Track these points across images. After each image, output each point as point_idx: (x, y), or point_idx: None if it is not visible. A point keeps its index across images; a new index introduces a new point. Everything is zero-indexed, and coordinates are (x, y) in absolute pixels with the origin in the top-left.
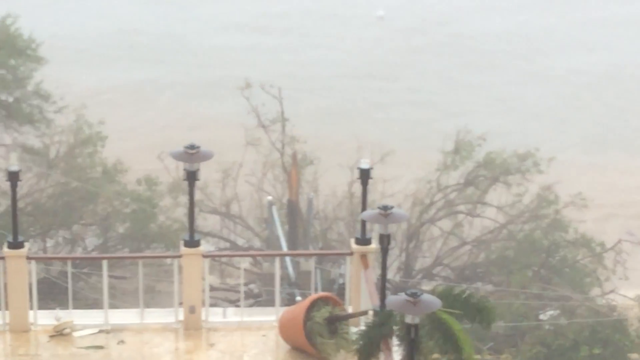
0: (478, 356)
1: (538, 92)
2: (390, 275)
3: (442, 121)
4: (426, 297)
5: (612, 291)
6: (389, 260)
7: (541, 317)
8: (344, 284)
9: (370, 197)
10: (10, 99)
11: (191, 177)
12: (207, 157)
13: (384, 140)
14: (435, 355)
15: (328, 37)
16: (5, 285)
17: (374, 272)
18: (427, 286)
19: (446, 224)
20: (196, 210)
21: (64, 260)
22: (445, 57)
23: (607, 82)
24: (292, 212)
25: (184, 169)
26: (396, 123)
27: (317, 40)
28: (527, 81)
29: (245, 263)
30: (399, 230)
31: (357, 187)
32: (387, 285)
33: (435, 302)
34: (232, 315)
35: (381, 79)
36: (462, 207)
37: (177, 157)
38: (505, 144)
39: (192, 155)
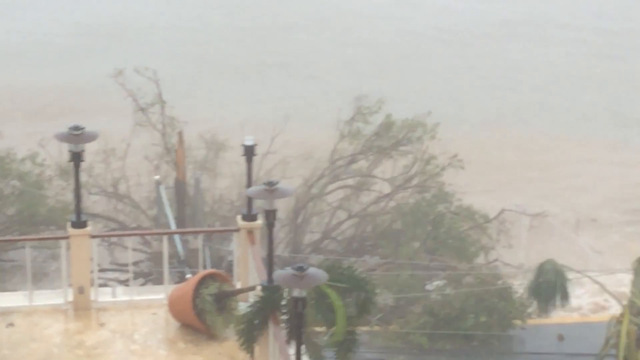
0: (366, 327)
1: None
2: (279, 250)
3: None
4: (312, 270)
5: (496, 260)
6: (278, 236)
7: (428, 287)
8: (233, 260)
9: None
10: None
11: (76, 158)
12: (91, 138)
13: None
14: (318, 328)
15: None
16: None
17: (262, 248)
18: (315, 260)
19: (335, 197)
20: (84, 192)
21: None
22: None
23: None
24: (180, 191)
25: (69, 150)
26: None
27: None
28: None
29: (134, 243)
30: (287, 205)
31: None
32: (276, 260)
33: (322, 275)
34: (122, 294)
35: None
36: (350, 181)
37: (62, 138)
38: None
39: (76, 136)
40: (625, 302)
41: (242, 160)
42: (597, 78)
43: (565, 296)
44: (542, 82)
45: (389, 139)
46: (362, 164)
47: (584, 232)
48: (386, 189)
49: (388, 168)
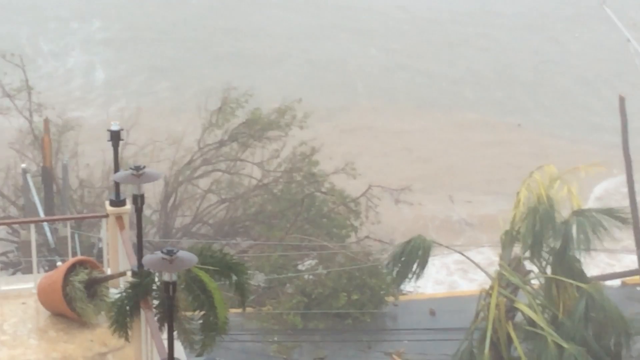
0: (239, 310)
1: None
2: (150, 236)
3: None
4: (182, 254)
5: (366, 237)
6: (148, 221)
7: (300, 267)
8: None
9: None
10: None
11: None
12: None
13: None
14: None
15: None
16: None
17: (131, 233)
18: (187, 244)
19: (205, 182)
20: None
21: None
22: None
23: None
24: (47, 178)
25: None
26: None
27: None
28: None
29: (2, 233)
30: (157, 189)
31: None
32: (147, 245)
33: (192, 258)
34: None
35: None
36: (221, 165)
37: None
38: (267, 98)
39: None
40: (494, 275)
41: (110, 146)
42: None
43: (421, 271)
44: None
45: (257, 124)
46: (233, 147)
47: (458, 208)
48: (256, 173)
49: (257, 152)
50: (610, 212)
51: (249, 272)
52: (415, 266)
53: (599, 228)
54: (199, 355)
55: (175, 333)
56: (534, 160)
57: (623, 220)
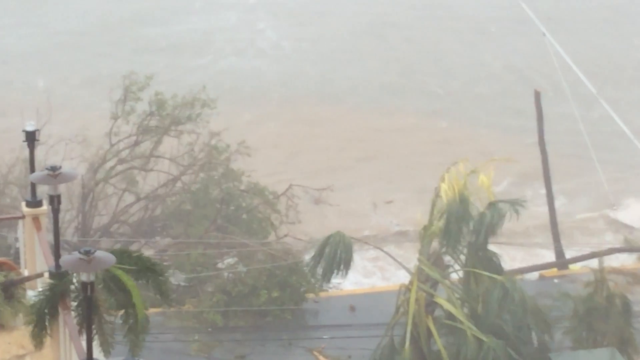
0: (159, 309)
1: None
2: (67, 236)
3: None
4: (100, 254)
5: (286, 235)
6: (66, 221)
7: (220, 265)
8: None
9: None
10: None
11: None
12: None
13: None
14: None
15: None
16: None
17: (49, 234)
18: (105, 245)
19: (121, 180)
20: None
21: None
22: None
23: None
24: None
25: None
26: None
27: None
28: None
29: None
30: (74, 190)
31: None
32: (65, 246)
33: (109, 258)
34: None
35: None
36: (135, 163)
37: None
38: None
39: None
40: (413, 270)
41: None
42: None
43: (347, 267)
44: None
45: (165, 117)
46: (146, 145)
47: (380, 205)
48: (173, 169)
49: (172, 148)
50: (512, 202)
51: (168, 271)
52: (340, 263)
53: (508, 218)
54: (135, 355)
55: (94, 333)
56: (452, 154)
57: (517, 211)
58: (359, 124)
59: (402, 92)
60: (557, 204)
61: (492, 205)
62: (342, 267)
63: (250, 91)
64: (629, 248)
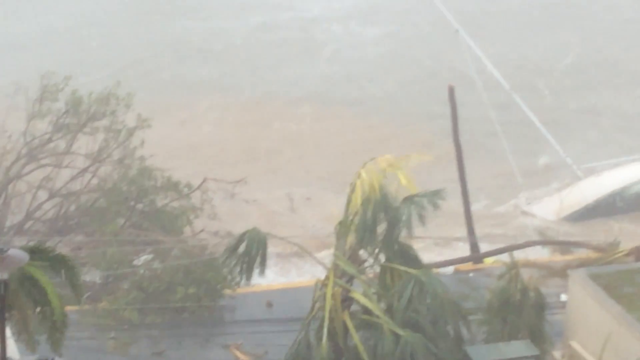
0: (75, 307)
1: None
2: None
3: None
4: (13, 252)
5: (202, 230)
6: None
7: (136, 262)
8: None
9: None
10: None
11: None
12: None
13: None
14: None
15: None
16: None
17: None
18: (19, 242)
19: (36, 177)
20: None
21: None
22: None
23: None
24: None
25: None
26: None
27: None
28: None
29: None
30: None
31: None
32: None
33: (23, 256)
34: None
35: None
36: (49, 160)
37: None
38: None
39: None
40: (329, 266)
41: None
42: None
43: (263, 264)
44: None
45: (81, 114)
46: (60, 142)
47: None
48: (82, 164)
49: (86, 144)
50: (431, 195)
51: (81, 267)
52: (255, 260)
53: (424, 211)
54: (56, 353)
55: (8, 332)
56: (370, 150)
57: (436, 204)
58: (289, 122)
59: (333, 91)
60: (473, 197)
61: (408, 199)
62: (257, 264)
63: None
64: (542, 241)
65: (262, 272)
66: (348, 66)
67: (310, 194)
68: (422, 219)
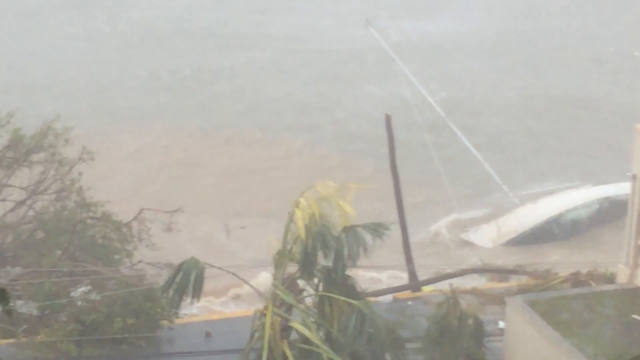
0: (12, 340)
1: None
2: None
3: None
4: None
5: (140, 261)
6: None
7: (73, 294)
8: None
9: None
10: None
11: None
12: None
13: None
14: None
15: None
16: None
17: None
18: None
19: None
20: None
21: None
22: None
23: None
24: None
25: None
26: None
27: None
28: None
29: None
30: None
31: None
32: None
33: None
34: None
35: None
36: None
37: None
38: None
39: None
40: (268, 295)
41: None
42: None
43: (198, 292)
44: None
45: (21, 148)
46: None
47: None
48: (20, 196)
49: (24, 177)
50: (375, 227)
51: (18, 300)
52: (191, 289)
53: (364, 243)
54: None
55: None
56: (311, 179)
57: (380, 235)
58: (234, 151)
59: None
60: (412, 225)
61: (348, 229)
62: (194, 293)
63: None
64: (479, 268)
65: (197, 301)
66: (296, 96)
67: (251, 223)
68: (364, 250)
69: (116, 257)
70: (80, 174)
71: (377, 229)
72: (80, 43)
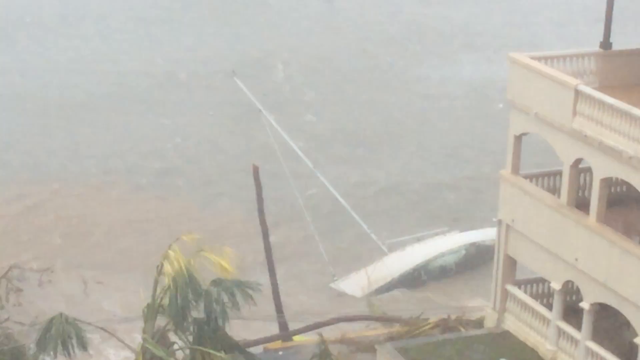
0: None
1: None
2: None
3: None
4: None
5: (7, 319)
6: None
7: None
8: None
9: None
10: None
11: None
12: None
13: None
14: None
15: None
16: None
17: None
18: None
19: None
20: None
21: None
22: None
23: None
24: None
25: None
26: None
27: None
28: None
29: None
30: None
31: None
32: None
33: None
34: None
35: None
36: None
37: None
38: None
39: None
40: (138, 349)
41: None
42: None
43: (83, 346)
44: None
45: None
46: None
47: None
48: None
49: None
50: (243, 284)
51: None
52: (72, 344)
53: (235, 297)
54: None
55: None
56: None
57: (249, 296)
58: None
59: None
60: (282, 276)
61: (217, 282)
62: (75, 347)
63: None
64: (348, 317)
65: (80, 353)
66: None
67: (117, 278)
68: (235, 304)
69: None
70: None
71: (246, 289)
72: None
